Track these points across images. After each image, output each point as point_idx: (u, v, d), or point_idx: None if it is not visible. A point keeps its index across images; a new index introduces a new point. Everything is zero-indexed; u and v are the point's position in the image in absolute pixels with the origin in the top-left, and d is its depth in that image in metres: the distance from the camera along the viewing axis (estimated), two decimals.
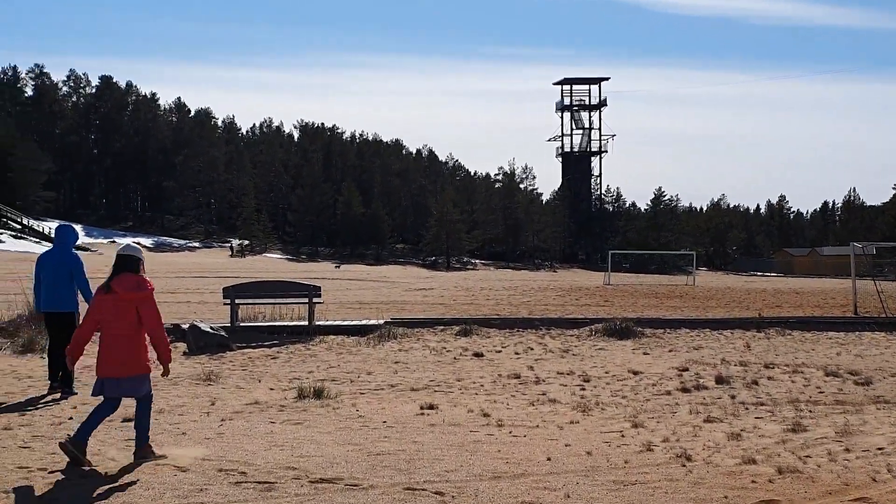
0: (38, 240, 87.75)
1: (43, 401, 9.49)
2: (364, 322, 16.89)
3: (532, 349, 14.78)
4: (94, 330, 6.51)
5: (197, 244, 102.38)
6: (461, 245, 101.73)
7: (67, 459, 6.38)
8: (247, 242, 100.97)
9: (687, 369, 12.26)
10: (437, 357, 13.75)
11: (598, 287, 49.24)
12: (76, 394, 9.93)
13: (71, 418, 8.25)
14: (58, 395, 9.85)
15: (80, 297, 10.18)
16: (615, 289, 46.79)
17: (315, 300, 16.35)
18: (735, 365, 12.80)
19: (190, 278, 49.45)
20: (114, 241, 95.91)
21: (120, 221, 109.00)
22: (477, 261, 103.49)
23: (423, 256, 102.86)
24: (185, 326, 15.56)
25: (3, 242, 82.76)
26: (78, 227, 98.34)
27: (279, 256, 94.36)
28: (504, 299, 33.91)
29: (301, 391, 9.42)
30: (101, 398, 6.75)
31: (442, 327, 16.81)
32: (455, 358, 13.59)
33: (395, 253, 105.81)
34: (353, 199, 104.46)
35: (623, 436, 7.47)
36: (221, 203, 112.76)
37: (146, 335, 6.55)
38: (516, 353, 14.20)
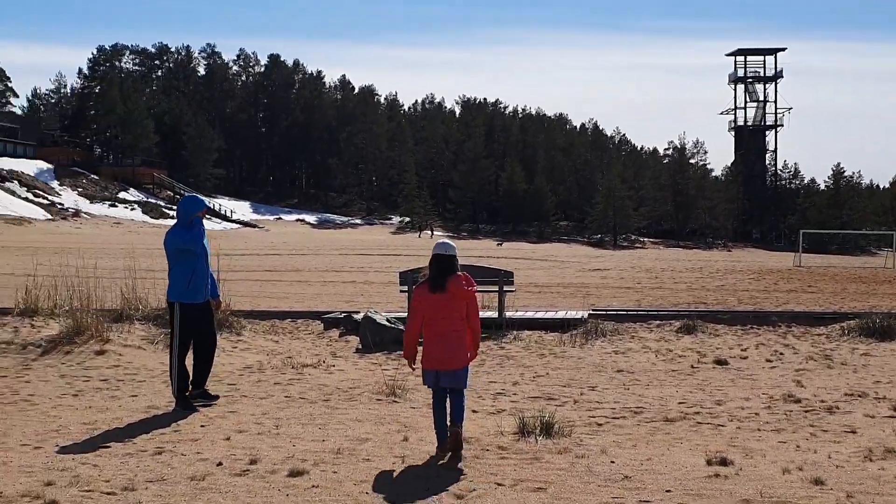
0: (208, 216, 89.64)
1: (189, 421, 7.35)
2: (563, 315, 14.25)
3: (781, 354, 11.80)
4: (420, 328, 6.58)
5: (359, 221, 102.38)
6: (629, 222, 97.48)
7: None
8: (408, 219, 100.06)
9: None
10: (667, 364, 10.99)
11: (789, 269, 44.98)
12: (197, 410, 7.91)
13: (220, 464, 5.97)
14: (196, 406, 7.80)
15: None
16: (810, 272, 42.45)
17: (506, 288, 13.85)
18: None
19: (354, 255, 48.28)
20: (279, 218, 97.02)
21: (285, 198, 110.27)
22: (645, 239, 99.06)
23: (587, 234, 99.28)
24: (358, 317, 13.40)
25: (176, 218, 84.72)
26: (245, 204, 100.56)
27: (441, 234, 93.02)
28: (695, 283, 30.64)
29: (524, 424, 6.88)
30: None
31: (657, 322, 13.99)
32: (693, 366, 10.78)
33: (558, 230, 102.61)
34: (516, 175, 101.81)
35: None
36: (382, 180, 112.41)
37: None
38: (767, 361, 11.27)
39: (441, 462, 6.17)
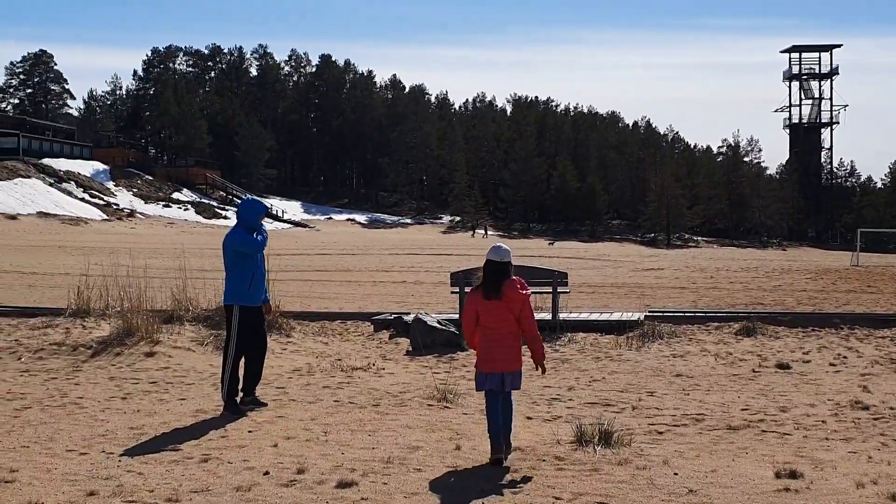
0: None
1: (237, 426, 7.21)
2: (619, 317, 13.94)
3: (845, 357, 11.37)
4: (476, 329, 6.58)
5: (409, 220, 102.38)
6: (682, 221, 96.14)
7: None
8: (459, 219, 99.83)
9: None
10: (727, 368, 10.63)
11: (846, 269, 43.94)
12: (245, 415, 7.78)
13: (267, 473, 5.80)
14: (246, 412, 7.67)
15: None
16: (868, 271, 41.37)
17: (560, 289, 13.56)
18: None
19: (404, 255, 48.24)
20: (330, 218, 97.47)
21: (336, 198, 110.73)
22: (699, 238, 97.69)
23: (640, 233, 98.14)
24: (409, 318, 13.22)
25: (229, 218, 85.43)
26: (296, 204, 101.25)
27: (492, 233, 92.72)
28: (751, 283, 30.03)
29: (581, 432, 6.62)
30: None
31: (716, 324, 13.61)
32: (754, 371, 10.42)
33: (610, 229, 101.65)
34: (568, 174, 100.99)
35: None
36: (433, 179, 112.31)
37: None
38: (831, 364, 10.85)
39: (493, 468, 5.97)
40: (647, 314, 14.05)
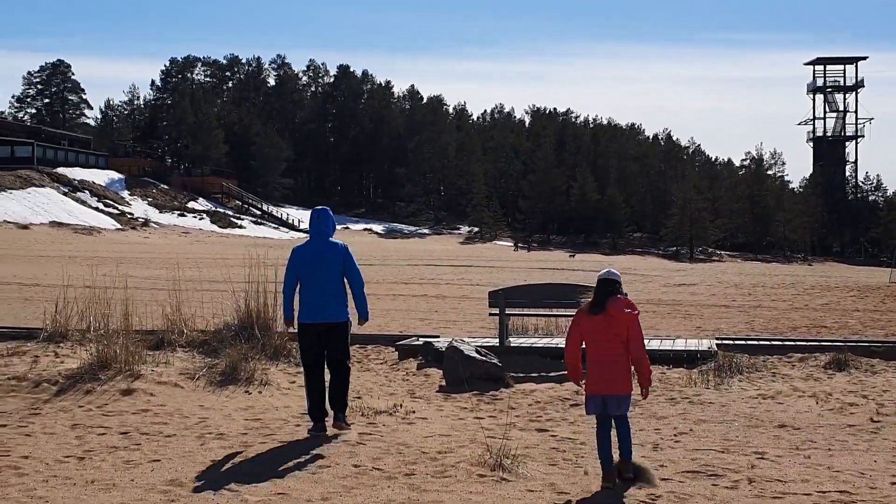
0: (276, 225, 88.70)
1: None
2: (684, 345, 11.93)
3: None
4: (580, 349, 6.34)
5: (426, 231, 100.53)
6: (706, 235, 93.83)
7: None
8: (477, 229, 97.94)
9: None
10: (836, 415, 8.62)
11: (887, 286, 41.70)
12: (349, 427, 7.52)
13: None
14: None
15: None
16: None
17: None
18: None
19: (423, 266, 46.39)
20: (347, 228, 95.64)
21: (353, 208, 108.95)
22: (722, 252, 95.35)
23: (663, 246, 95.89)
24: (440, 344, 11.28)
25: (244, 228, 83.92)
26: None
27: (519, 245, 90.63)
28: (795, 301, 27.92)
29: None
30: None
31: (799, 355, 11.61)
32: (872, 420, 8.40)
33: (631, 242, 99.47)
34: (588, 185, 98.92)
35: None
36: (451, 189, 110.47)
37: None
38: None
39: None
40: (716, 341, 12.06)
